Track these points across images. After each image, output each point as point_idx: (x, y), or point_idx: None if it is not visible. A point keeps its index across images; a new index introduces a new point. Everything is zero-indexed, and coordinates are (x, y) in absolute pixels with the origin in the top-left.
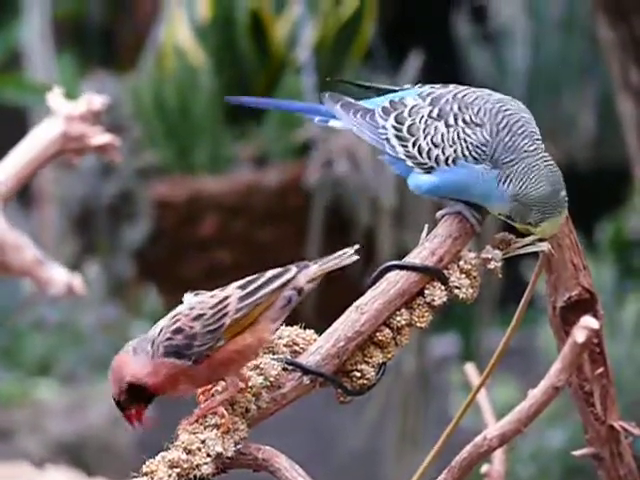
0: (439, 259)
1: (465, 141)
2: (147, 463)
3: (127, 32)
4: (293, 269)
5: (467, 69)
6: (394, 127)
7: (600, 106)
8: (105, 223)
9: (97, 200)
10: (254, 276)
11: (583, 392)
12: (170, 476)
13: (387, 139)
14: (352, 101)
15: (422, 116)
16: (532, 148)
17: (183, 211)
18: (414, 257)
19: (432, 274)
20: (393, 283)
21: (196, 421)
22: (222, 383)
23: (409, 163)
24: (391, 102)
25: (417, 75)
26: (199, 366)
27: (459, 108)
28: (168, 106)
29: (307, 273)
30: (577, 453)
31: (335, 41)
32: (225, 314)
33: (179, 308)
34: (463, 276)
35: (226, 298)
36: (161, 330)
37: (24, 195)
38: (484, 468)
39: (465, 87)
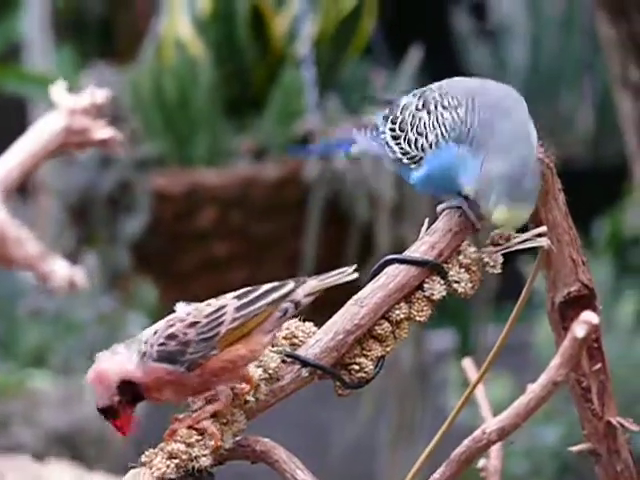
0: (439, 253)
1: (443, 124)
2: (146, 453)
3: (127, 24)
4: (291, 283)
5: (466, 65)
6: (390, 129)
7: (599, 103)
8: (103, 214)
9: (95, 191)
10: (251, 287)
11: (581, 388)
12: (169, 467)
13: (387, 142)
14: (368, 121)
15: (410, 111)
16: (508, 127)
17: (181, 203)
18: (414, 251)
19: (432, 268)
20: (393, 277)
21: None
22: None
23: (405, 160)
24: (390, 108)
25: (416, 70)
26: (191, 374)
27: (440, 95)
28: (167, 98)
29: (305, 288)
30: (574, 449)
31: (335, 35)
32: (220, 323)
33: (173, 314)
34: (462, 270)
35: (222, 307)
36: (155, 333)
37: (22, 186)
38: (481, 463)
39: (456, 78)
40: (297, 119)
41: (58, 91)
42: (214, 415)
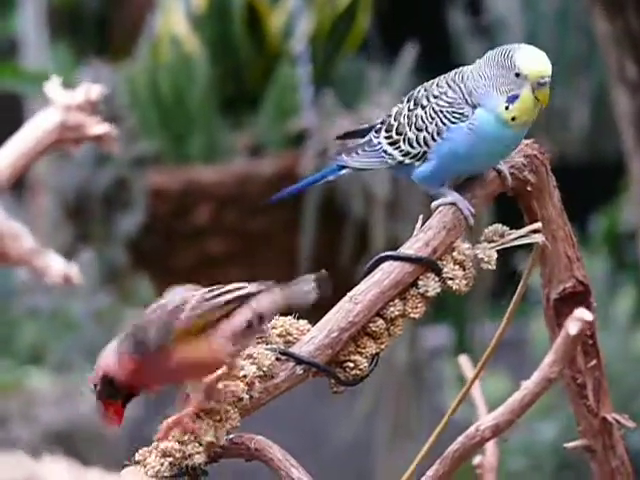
0: (433, 250)
1: (440, 111)
2: (140, 452)
3: (123, 21)
4: (255, 285)
5: (462, 61)
6: (385, 137)
7: (594, 100)
8: (99, 212)
9: (91, 189)
10: (220, 285)
11: (576, 384)
12: (162, 465)
13: (384, 151)
14: (353, 143)
15: (404, 114)
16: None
17: (177, 200)
18: (408, 248)
19: (426, 265)
20: (387, 273)
21: (168, 432)
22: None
23: (407, 161)
24: (381, 121)
25: (412, 67)
26: (156, 361)
27: (426, 89)
28: (163, 95)
29: (270, 297)
30: (569, 445)
31: (330, 32)
32: (182, 310)
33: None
34: (457, 267)
35: (189, 298)
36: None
37: (18, 183)
38: (476, 460)
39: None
40: (293, 116)
41: (53, 87)
42: (207, 412)
